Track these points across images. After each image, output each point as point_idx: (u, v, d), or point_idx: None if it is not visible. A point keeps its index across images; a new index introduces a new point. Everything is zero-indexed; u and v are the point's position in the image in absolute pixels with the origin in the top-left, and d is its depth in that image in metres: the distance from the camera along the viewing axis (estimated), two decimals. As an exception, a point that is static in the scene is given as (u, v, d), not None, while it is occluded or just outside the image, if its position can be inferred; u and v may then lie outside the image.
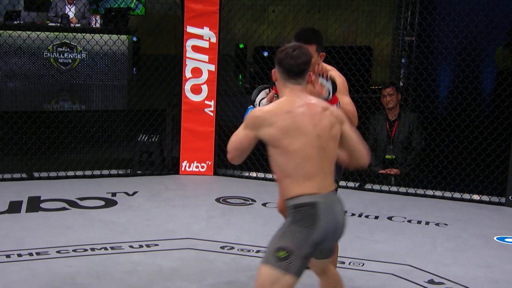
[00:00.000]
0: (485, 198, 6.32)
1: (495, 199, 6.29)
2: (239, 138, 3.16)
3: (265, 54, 9.35)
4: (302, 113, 3.11)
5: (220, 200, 6.05)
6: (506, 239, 5.31)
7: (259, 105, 3.54)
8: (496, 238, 5.32)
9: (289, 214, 3.13)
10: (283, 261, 3.05)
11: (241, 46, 9.92)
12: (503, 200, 6.23)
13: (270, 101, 3.51)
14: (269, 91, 3.60)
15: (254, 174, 6.85)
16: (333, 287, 3.45)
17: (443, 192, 6.43)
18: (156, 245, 4.86)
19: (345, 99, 3.71)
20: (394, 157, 7.01)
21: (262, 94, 3.59)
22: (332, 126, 3.16)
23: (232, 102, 7.14)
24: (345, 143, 3.24)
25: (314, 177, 3.11)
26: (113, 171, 6.75)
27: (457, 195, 6.42)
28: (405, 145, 6.99)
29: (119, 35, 9.71)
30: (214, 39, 6.67)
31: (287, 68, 3.14)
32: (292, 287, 3.10)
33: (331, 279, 3.44)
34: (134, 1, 12.78)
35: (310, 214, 3.08)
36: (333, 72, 3.70)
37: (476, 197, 6.36)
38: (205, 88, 6.75)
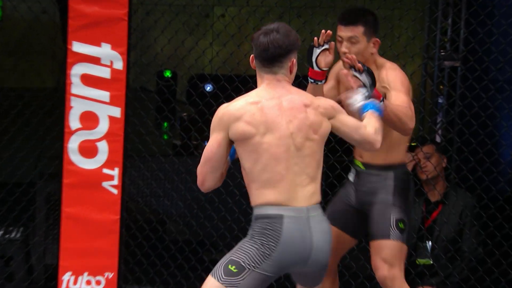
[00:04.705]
0: None
1: None
2: (209, 146, 3.15)
3: (208, 88, 6.77)
4: (273, 106, 3.09)
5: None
6: None
7: None
8: None
9: (250, 226, 3.24)
10: (234, 276, 3.13)
11: (167, 74, 7.60)
12: None
13: None
14: None
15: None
16: None
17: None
18: None
19: (400, 97, 3.53)
20: (431, 262, 5.09)
21: None
22: (315, 124, 3.11)
23: (151, 171, 5.32)
24: (343, 136, 3.22)
25: (280, 183, 3.10)
26: None
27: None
28: (456, 247, 5.07)
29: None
30: (120, 64, 4.85)
31: (257, 53, 3.13)
32: None
33: None
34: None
35: (271, 229, 3.09)
36: (388, 64, 3.67)
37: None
38: (103, 147, 4.92)
